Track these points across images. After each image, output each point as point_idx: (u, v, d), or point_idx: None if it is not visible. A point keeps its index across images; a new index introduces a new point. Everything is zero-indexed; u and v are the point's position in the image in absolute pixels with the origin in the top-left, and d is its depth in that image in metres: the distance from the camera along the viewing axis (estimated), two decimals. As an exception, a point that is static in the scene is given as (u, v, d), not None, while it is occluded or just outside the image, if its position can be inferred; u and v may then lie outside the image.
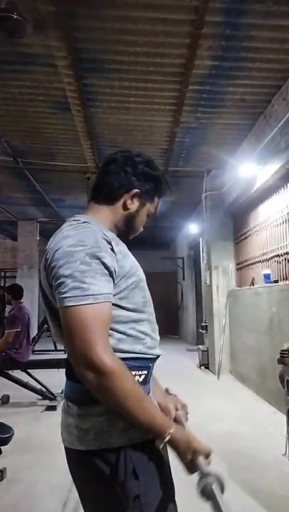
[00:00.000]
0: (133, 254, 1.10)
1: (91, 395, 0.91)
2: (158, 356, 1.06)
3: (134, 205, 1.11)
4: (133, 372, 0.97)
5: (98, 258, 0.91)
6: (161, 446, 0.92)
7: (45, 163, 5.83)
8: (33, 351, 5.64)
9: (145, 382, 1.02)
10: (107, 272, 0.93)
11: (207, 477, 0.89)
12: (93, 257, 0.91)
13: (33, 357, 4.85)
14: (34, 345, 6.37)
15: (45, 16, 2.91)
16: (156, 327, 1.09)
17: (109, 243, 0.96)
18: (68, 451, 1.01)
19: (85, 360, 0.85)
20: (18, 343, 4.35)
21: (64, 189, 7.13)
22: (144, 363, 1.01)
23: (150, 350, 1.02)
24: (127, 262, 1.01)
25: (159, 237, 11.92)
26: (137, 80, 3.77)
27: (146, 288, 1.08)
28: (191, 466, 0.93)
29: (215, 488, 0.88)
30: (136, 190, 1.10)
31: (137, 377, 0.98)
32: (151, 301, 1.09)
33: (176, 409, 1.18)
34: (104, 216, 1.09)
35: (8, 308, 6.44)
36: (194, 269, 9.92)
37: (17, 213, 9.12)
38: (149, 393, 1.05)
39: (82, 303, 0.87)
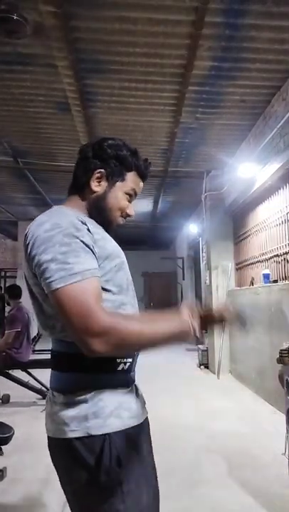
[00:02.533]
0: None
1: (77, 383, 0.94)
2: None
3: (100, 186, 1.09)
4: (118, 360, 0.98)
5: (76, 237, 0.92)
6: (198, 336, 0.98)
7: (46, 163, 5.84)
8: (33, 351, 5.62)
9: (130, 370, 1.02)
10: (89, 249, 0.93)
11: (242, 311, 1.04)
12: (72, 237, 0.91)
13: (33, 356, 4.85)
14: (34, 345, 6.35)
15: (45, 17, 2.91)
16: (138, 311, 1.10)
17: (85, 224, 0.96)
18: (51, 441, 1.01)
19: (87, 332, 0.85)
20: (19, 343, 4.36)
21: (64, 189, 6.94)
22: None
23: None
24: (108, 244, 1.02)
25: (159, 237, 11.93)
26: (137, 81, 3.78)
27: (128, 271, 1.08)
28: (231, 316, 1.03)
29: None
30: (98, 171, 1.09)
31: (122, 365, 0.99)
32: (132, 283, 1.10)
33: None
34: (76, 205, 1.09)
35: (7, 308, 6.44)
36: (194, 269, 9.93)
37: (17, 213, 9.13)
38: (134, 381, 1.06)
39: (69, 282, 0.87)
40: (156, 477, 1.06)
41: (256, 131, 4.66)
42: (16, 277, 9.57)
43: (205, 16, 2.87)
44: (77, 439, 0.93)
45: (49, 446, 1.02)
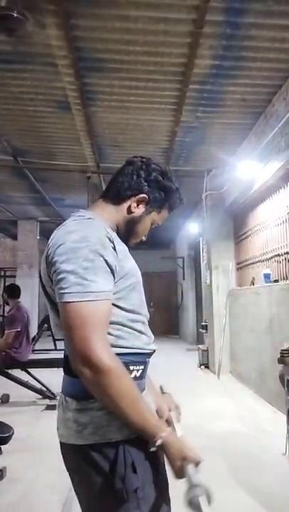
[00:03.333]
0: (133, 254, 1.10)
1: (88, 391, 0.93)
2: (154, 351, 1.08)
3: (138, 210, 1.11)
4: (131, 367, 0.98)
5: (101, 256, 0.92)
6: (153, 449, 0.92)
7: (46, 162, 5.83)
8: (33, 350, 5.63)
9: (142, 376, 1.03)
10: (109, 270, 0.93)
11: (195, 488, 0.88)
12: (96, 254, 0.91)
13: (32, 356, 4.85)
14: (34, 345, 6.36)
15: (46, 15, 2.90)
16: (149, 329, 1.10)
17: (112, 241, 0.96)
18: (64, 447, 1.00)
19: (83, 356, 0.86)
20: (18, 343, 4.35)
21: (64, 188, 7.13)
22: (141, 358, 1.02)
23: (147, 346, 1.04)
24: (128, 262, 1.02)
25: (159, 237, 11.91)
26: (137, 79, 3.77)
27: (142, 291, 1.08)
28: (179, 473, 0.92)
29: (202, 500, 0.87)
30: (143, 195, 1.10)
31: (134, 372, 0.99)
32: (145, 303, 1.10)
33: (169, 410, 1.17)
34: (108, 215, 1.09)
35: (6, 308, 6.45)
36: (194, 269, 9.92)
37: (17, 212, 9.12)
38: (145, 388, 1.05)
39: (83, 299, 0.87)
40: (168, 485, 1.05)
41: (257, 130, 4.65)
42: (15, 277, 9.57)
43: (206, 15, 2.86)
44: (91, 446, 0.93)
45: (62, 451, 1.02)
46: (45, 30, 3.06)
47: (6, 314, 5.73)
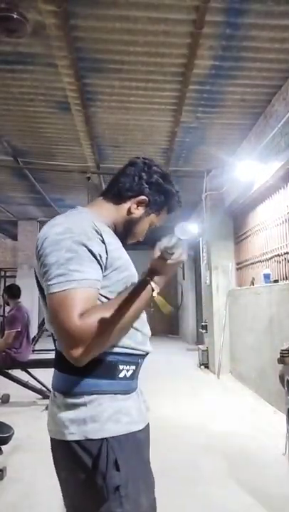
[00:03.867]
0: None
1: (77, 386, 0.94)
2: (147, 353, 1.07)
3: (138, 211, 1.12)
4: (120, 367, 0.98)
5: (85, 246, 0.91)
6: (155, 294, 0.94)
7: (46, 162, 5.83)
8: (33, 350, 5.63)
9: (133, 377, 1.02)
10: (95, 260, 0.92)
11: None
12: (80, 245, 0.91)
13: (33, 356, 4.85)
14: (34, 345, 6.36)
15: (46, 16, 2.91)
16: (147, 324, 1.09)
17: (99, 233, 0.95)
18: (53, 442, 1.01)
19: (66, 344, 0.86)
20: (18, 343, 4.35)
21: (64, 189, 7.13)
22: (133, 359, 1.02)
23: (140, 346, 1.03)
24: (120, 255, 1.01)
25: (159, 237, 11.92)
26: (137, 80, 3.77)
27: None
28: (166, 260, 0.92)
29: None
30: (143, 197, 1.11)
31: (124, 372, 0.99)
32: None
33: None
34: (107, 213, 1.10)
35: (7, 308, 6.45)
36: (194, 269, 9.92)
37: (17, 213, 9.13)
38: (136, 388, 1.05)
39: (64, 288, 0.87)
40: (153, 485, 1.06)
41: (257, 130, 4.65)
42: (15, 277, 9.57)
43: (205, 15, 2.87)
44: (75, 442, 0.93)
45: (51, 445, 1.03)
46: (45, 30, 3.06)
47: (6, 314, 5.74)
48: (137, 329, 1.03)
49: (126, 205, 1.11)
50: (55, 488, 1.00)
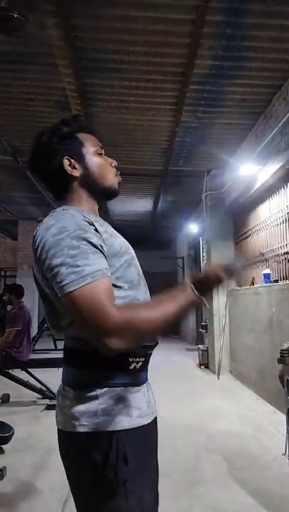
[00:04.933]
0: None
1: (88, 380, 0.95)
2: (156, 343, 1.07)
3: (77, 169, 1.07)
4: (131, 359, 0.98)
5: (84, 239, 0.91)
6: (204, 302, 0.99)
7: (46, 162, 5.82)
8: (33, 350, 5.63)
9: (143, 369, 1.02)
10: (98, 250, 0.93)
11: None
12: (79, 239, 0.91)
13: (33, 356, 4.85)
14: (34, 345, 6.36)
15: (46, 16, 2.90)
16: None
17: (92, 224, 0.96)
18: (61, 434, 1.01)
19: (102, 332, 0.85)
20: (19, 342, 4.35)
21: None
22: (142, 351, 1.02)
23: None
24: (116, 240, 1.01)
25: (159, 237, 11.92)
26: (137, 80, 3.77)
27: (139, 265, 1.08)
28: (229, 276, 1.03)
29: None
30: (64, 161, 1.06)
31: (134, 364, 0.99)
32: (144, 279, 1.10)
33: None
34: (78, 199, 1.08)
35: (8, 307, 6.45)
36: (194, 269, 9.92)
37: (17, 212, 9.13)
38: (146, 380, 1.05)
39: (81, 284, 0.87)
40: (157, 479, 1.06)
41: (257, 130, 4.65)
42: (15, 277, 9.57)
43: (206, 15, 2.86)
44: (85, 434, 0.93)
45: (58, 438, 1.03)
46: (45, 30, 3.06)
47: (7, 313, 5.73)
48: None
49: (72, 180, 1.08)
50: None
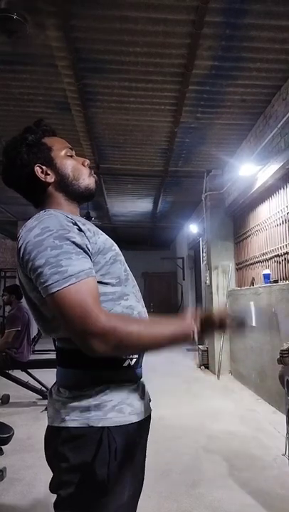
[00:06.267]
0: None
1: (82, 379, 0.95)
2: None
3: (50, 175, 1.07)
4: (124, 356, 0.98)
5: (67, 239, 0.91)
6: (196, 340, 0.97)
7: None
8: (33, 351, 5.63)
9: (136, 366, 1.03)
10: (81, 250, 0.93)
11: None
12: (62, 239, 0.91)
13: (33, 357, 4.85)
14: (34, 345, 6.36)
15: (46, 16, 2.91)
16: (142, 300, 1.09)
17: (75, 224, 0.96)
18: (49, 430, 1.00)
19: (86, 332, 0.86)
20: (19, 343, 4.36)
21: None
22: None
23: None
24: (99, 238, 1.01)
25: (159, 237, 11.92)
26: (137, 80, 3.77)
27: (125, 262, 1.08)
28: (235, 327, 1.02)
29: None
30: (36, 169, 1.06)
31: (128, 361, 0.99)
32: (132, 275, 1.09)
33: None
34: (56, 204, 1.07)
35: (7, 308, 6.45)
36: (194, 269, 9.93)
37: (17, 213, 9.12)
38: (141, 377, 1.06)
39: (64, 285, 0.87)
40: (142, 476, 1.07)
41: (256, 130, 4.66)
42: (15, 277, 9.57)
43: (205, 16, 2.87)
44: (76, 428, 0.93)
45: (47, 434, 1.01)
46: (45, 31, 3.06)
47: (6, 315, 5.73)
48: (133, 308, 1.03)
49: (48, 187, 1.08)
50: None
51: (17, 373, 4.42)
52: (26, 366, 4.45)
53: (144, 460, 1.09)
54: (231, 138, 5.09)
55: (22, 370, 4.44)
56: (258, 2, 2.78)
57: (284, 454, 2.87)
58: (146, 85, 3.85)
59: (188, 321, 0.97)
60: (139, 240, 11.76)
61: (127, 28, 3.05)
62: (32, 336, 4.98)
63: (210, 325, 1.00)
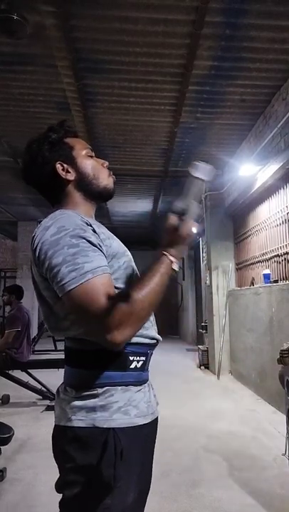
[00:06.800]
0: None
1: (89, 379, 0.95)
2: (157, 342, 1.06)
3: (70, 173, 1.08)
4: (131, 358, 0.98)
5: (83, 237, 0.92)
6: (175, 267, 0.96)
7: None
8: (33, 351, 5.63)
9: (143, 368, 1.02)
10: (97, 248, 0.93)
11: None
12: (78, 238, 0.91)
13: (33, 357, 4.85)
14: (34, 345, 6.36)
15: (45, 17, 2.91)
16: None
17: (90, 225, 0.96)
18: (56, 430, 1.00)
19: (104, 329, 0.85)
20: (19, 343, 4.35)
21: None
22: (143, 349, 1.02)
23: (146, 332, 1.02)
24: (114, 242, 1.02)
25: (159, 238, 11.90)
26: (136, 81, 3.78)
27: (136, 268, 1.08)
28: (182, 218, 0.99)
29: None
30: (57, 166, 1.07)
31: (134, 363, 0.99)
32: None
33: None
34: (73, 203, 1.08)
35: (7, 308, 6.46)
36: (194, 269, 9.93)
37: (17, 213, 9.13)
38: (147, 380, 1.06)
39: (81, 281, 0.87)
40: (149, 479, 1.06)
41: (256, 131, 4.66)
42: (15, 277, 9.57)
43: (205, 16, 2.87)
44: (81, 428, 0.93)
45: (53, 435, 1.01)
46: (44, 31, 3.06)
47: (6, 315, 5.73)
48: None
49: (67, 184, 1.08)
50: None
51: (17, 373, 4.42)
52: (26, 366, 4.45)
53: (152, 462, 1.08)
54: (231, 138, 5.09)
55: (22, 371, 4.44)
56: (258, 2, 2.78)
57: (284, 454, 2.87)
58: (146, 85, 3.85)
59: (162, 256, 0.95)
60: (138, 240, 11.76)
61: (127, 28, 3.05)
62: (32, 336, 4.99)
63: (171, 239, 0.97)
